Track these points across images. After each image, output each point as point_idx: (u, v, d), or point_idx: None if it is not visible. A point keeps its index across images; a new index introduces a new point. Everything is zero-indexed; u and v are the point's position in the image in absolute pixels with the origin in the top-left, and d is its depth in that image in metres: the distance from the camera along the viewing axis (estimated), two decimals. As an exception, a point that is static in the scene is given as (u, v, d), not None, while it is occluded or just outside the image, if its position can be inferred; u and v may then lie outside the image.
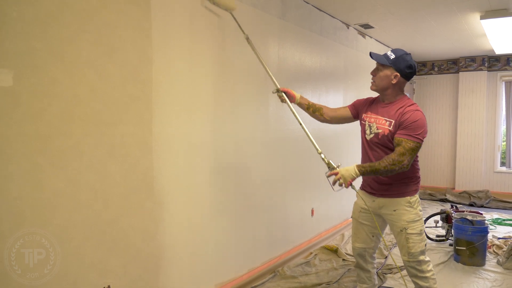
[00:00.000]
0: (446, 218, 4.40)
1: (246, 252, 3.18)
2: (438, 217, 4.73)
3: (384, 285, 3.26)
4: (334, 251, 4.01)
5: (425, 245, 2.43)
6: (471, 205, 6.48)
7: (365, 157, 2.53)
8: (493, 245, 4.11)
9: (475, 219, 3.92)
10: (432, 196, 7.02)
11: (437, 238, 4.40)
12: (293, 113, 2.54)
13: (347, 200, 4.92)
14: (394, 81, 2.35)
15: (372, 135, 2.43)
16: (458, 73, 7.27)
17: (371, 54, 2.41)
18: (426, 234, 3.98)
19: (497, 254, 3.95)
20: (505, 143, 7.24)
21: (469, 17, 4.51)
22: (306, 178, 4.02)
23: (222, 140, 2.87)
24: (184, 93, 2.52)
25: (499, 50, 6.25)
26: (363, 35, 5.28)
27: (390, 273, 3.48)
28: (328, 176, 2.32)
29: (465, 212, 4.31)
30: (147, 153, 2.28)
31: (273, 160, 3.47)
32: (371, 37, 5.57)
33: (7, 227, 1.68)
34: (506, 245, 4.03)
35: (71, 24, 1.88)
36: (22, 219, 1.72)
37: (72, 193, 1.91)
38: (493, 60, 7.02)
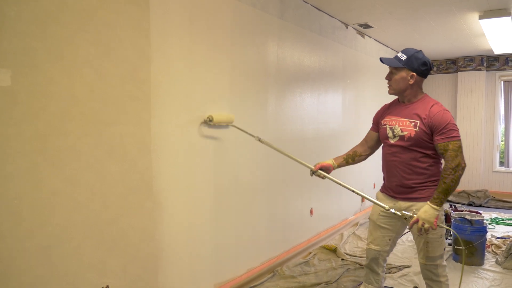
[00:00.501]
0: (445, 218, 4.40)
1: (245, 252, 3.18)
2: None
3: (383, 284, 3.26)
4: (333, 250, 4.01)
5: (444, 249, 2.37)
6: (469, 204, 6.49)
7: (390, 163, 2.41)
8: (492, 244, 4.12)
9: (473, 218, 3.92)
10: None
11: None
12: (335, 181, 2.44)
13: (346, 200, 4.92)
14: (411, 82, 2.30)
15: (397, 138, 2.34)
16: (457, 72, 7.27)
17: (381, 60, 2.36)
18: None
19: (496, 253, 3.96)
20: (503, 142, 7.25)
21: (468, 17, 4.52)
22: (305, 178, 4.01)
23: (221, 139, 2.87)
24: (183, 93, 2.52)
25: (497, 50, 6.25)
26: (362, 34, 5.28)
27: (389, 273, 3.48)
28: (410, 228, 2.24)
29: (464, 212, 4.31)
30: (146, 153, 2.27)
31: (272, 159, 3.47)
32: (370, 37, 5.57)
33: (6, 227, 1.67)
34: (504, 245, 4.03)
35: (70, 23, 1.88)
36: (20, 219, 1.72)
37: (71, 193, 1.90)
38: (492, 60, 7.03)
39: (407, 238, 4.40)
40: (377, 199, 2.55)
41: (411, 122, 2.30)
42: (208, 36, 2.70)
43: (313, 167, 2.46)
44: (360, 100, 5.17)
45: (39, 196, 1.78)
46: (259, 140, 2.63)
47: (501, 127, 7.26)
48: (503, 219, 5.41)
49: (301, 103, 3.88)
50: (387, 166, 2.45)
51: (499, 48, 6.04)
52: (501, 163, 7.29)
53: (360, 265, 3.59)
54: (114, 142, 2.10)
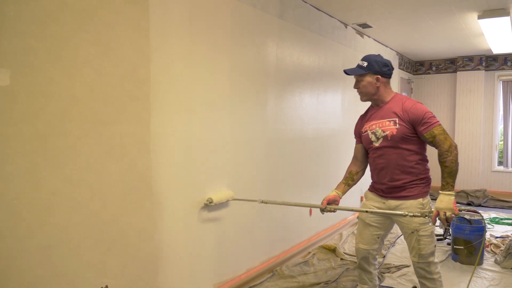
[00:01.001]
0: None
1: (244, 252, 3.18)
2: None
3: (383, 284, 3.26)
4: (332, 250, 4.01)
5: (435, 246, 2.41)
6: (468, 204, 6.50)
7: (378, 165, 2.45)
8: (491, 244, 4.13)
9: (473, 218, 3.92)
10: (430, 195, 7.02)
11: (435, 237, 4.40)
12: (350, 210, 2.55)
13: (345, 200, 4.91)
14: (378, 84, 2.40)
15: (380, 140, 2.39)
16: (456, 72, 7.28)
17: (346, 71, 2.47)
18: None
19: (494, 253, 3.96)
20: (502, 142, 7.26)
21: (467, 17, 4.52)
22: (305, 178, 4.02)
23: (221, 139, 2.87)
24: (183, 92, 2.51)
25: (496, 50, 6.26)
26: (361, 34, 5.29)
27: (388, 273, 3.48)
28: (433, 223, 2.26)
29: (462, 211, 4.32)
30: (145, 153, 2.27)
31: (271, 159, 3.47)
32: (369, 37, 5.58)
33: (6, 226, 1.67)
34: (503, 244, 4.04)
35: (69, 23, 1.87)
36: (20, 218, 1.72)
37: (70, 192, 1.90)
38: (491, 60, 7.04)
39: (406, 238, 4.40)
40: (366, 198, 2.61)
41: (389, 121, 2.37)
42: (208, 36, 2.70)
43: (321, 206, 2.46)
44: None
45: (39, 196, 1.78)
46: (262, 202, 2.64)
47: (500, 127, 7.27)
48: (502, 219, 5.41)
49: (300, 103, 3.88)
50: (376, 170, 2.49)
51: (498, 48, 6.05)
52: (500, 163, 7.30)
53: (360, 264, 3.60)
54: (114, 142, 2.10)
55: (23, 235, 1.73)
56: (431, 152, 2.42)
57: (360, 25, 4.92)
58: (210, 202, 2.67)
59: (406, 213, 2.23)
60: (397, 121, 2.34)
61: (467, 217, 3.95)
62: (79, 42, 1.92)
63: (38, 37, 1.76)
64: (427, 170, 2.45)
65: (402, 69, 7.03)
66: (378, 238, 2.56)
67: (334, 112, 4.56)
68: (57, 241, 1.85)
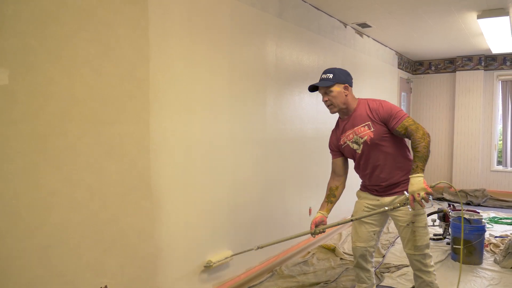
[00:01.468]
0: (443, 217, 4.41)
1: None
2: (435, 216, 4.74)
3: (382, 284, 3.26)
4: (332, 250, 4.01)
5: (429, 239, 2.47)
6: (468, 204, 6.51)
7: (367, 172, 2.50)
8: (490, 243, 4.13)
9: (472, 218, 3.93)
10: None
11: (435, 237, 4.41)
12: (339, 224, 2.59)
13: (344, 200, 4.91)
14: (346, 93, 2.45)
15: (362, 146, 2.44)
16: (455, 72, 7.29)
17: (312, 86, 2.49)
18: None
19: (494, 252, 3.96)
20: (501, 142, 7.27)
21: (466, 17, 4.52)
22: (304, 177, 4.02)
23: (220, 139, 2.86)
24: (182, 92, 2.51)
25: (495, 50, 6.26)
26: (360, 34, 5.28)
27: (387, 272, 3.48)
28: (414, 208, 2.25)
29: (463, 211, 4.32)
30: (144, 152, 2.27)
31: (271, 159, 3.47)
32: (368, 36, 5.58)
33: (5, 226, 1.66)
34: (503, 244, 4.04)
35: (69, 22, 1.87)
36: (19, 218, 1.71)
37: (69, 192, 1.90)
38: (490, 60, 7.05)
39: (406, 238, 4.40)
40: (359, 197, 2.67)
41: (363, 126, 2.42)
42: (207, 36, 2.70)
43: (310, 230, 2.54)
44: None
45: (38, 195, 1.78)
46: (258, 247, 2.68)
47: (499, 127, 7.28)
48: (501, 218, 5.42)
49: (300, 102, 3.87)
50: (367, 175, 2.54)
51: (497, 47, 6.05)
52: (499, 163, 7.31)
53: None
54: (113, 141, 2.10)
55: (22, 235, 1.73)
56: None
57: (359, 25, 4.92)
58: (210, 265, 2.74)
59: (386, 208, 2.36)
60: (370, 124, 2.39)
61: (466, 216, 3.95)
62: (78, 42, 1.91)
63: (38, 37, 1.75)
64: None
65: (402, 69, 7.04)
66: (374, 234, 2.60)
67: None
68: (56, 241, 1.85)
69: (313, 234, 2.53)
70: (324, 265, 3.65)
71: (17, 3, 1.68)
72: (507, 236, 4.44)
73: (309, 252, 3.97)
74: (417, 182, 2.16)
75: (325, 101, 2.49)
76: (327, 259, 3.78)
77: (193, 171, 2.63)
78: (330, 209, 2.61)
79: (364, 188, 2.64)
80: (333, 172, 2.66)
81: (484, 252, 3.88)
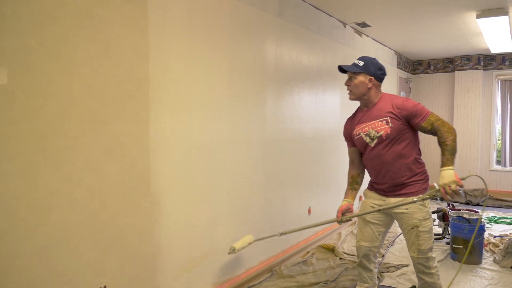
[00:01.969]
0: (443, 217, 4.42)
1: (243, 251, 3.16)
2: (434, 216, 4.73)
3: (382, 283, 3.26)
4: (331, 250, 4.01)
5: (433, 242, 2.47)
6: (467, 203, 6.51)
7: (378, 166, 2.47)
8: (490, 243, 4.13)
9: (471, 217, 3.93)
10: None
11: (434, 237, 4.41)
12: (362, 214, 2.53)
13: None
14: (370, 85, 2.43)
15: (375, 141, 2.41)
16: (454, 72, 7.29)
17: (341, 67, 2.48)
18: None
19: (493, 252, 3.96)
20: (500, 141, 7.28)
21: (465, 16, 4.52)
22: (303, 177, 4.01)
23: (220, 139, 2.86)
24: (181, 92, 2.50)
25: (494, 49, 6.27)
26: (359, 33, 5.28)
27: (387, 272, 3.48)
28: (447, 199, 2.22)
29: (461, 211, 4.32)
30: (144, 152, 2.26)
31: (271, 159, 3.46)
32: (368, 36, 5.57)
33: (3, 227, 1.66)
34: (502, 243, 4.04)
35: (67, 21, 1.86)
36: (18, 218, 1.71)
37: (68, 192, 1.89)
38: (489, 59, 7.05)
39: (405, 237, 4.40)
40: (366, 196, 2.65)
41: (381, 121, 2.40)
42: (207, 35, 2.69)
43: (336, 218, 2.52)
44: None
45: (37, 195, 1.77)
46: (282, 233, 2.63)
47: (498, 126, 7.29)
48: (500, 218, 5.42)
49: (299, 102, 3.87)
50: (375, 170, 2.52)
51: (496, 47, 6.05)
52: (498, 162, 7.32)
53: (359, 264, 3.59)
54: (112, 141, 2.09)
55: (21, 235, 1.72)
56: (426, 149, 2.45)
57: (358, 24, 4.92)
58: (234, 250, 2.61)
59: (415, 199, 2.32)
60: (389, 120, 2.37)
61: (466, 216, 3.95)
62: (77, 41, 1.90)
63: (37, 36, 1.74)
64: (423, 165, 2.51)
65: (401, 69, 7.04)
66: (379, 235, 2.59)
67: (333, 111, 4.55)
68: (55, 241, 1.84)
69: (340, 222, 2.51)
70: (323, 265, 3.64)
71: (16, 2, 1.67)
72: (506, 235, 4.44)
73: (308, 252, 3.96)
74: (449, 175, 2.17)
75: (347, 86, 2.49)
76: (327, 259, 3.78)
77: (192, 171, 2.62)
78: (355, 197, 2.63)
79: (371, 187, 2.62)
80: (351, 161, 2.67)
81: (484, 252, 3.89)
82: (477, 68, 7.04)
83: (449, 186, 2.14)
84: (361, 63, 2.44)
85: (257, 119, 3.28)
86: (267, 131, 3.40)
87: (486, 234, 4.35)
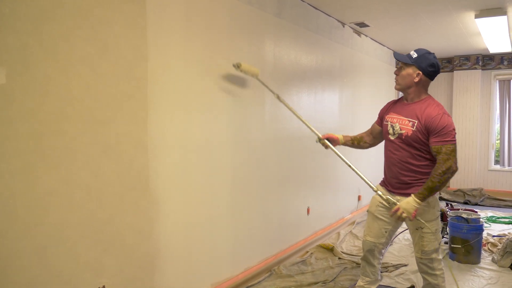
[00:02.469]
0: (441, 216, 4.41)
1: (242, 251, 3.17)
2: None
3: (380, 283, 3.26)
4: (330, 249, 4.01)
5: (439, 243, 2.47)
6: (465, 203, 6.51)
7: (389, 158, 2.53)
8: (488, 243, 4.13)
9: (470, 217, 3.93)
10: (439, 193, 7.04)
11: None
12: (339, 156, 2.62)
13: (343, 199, 4.93)
14: (416, 79, 2.38)
15: (396, 136, 2.45)
16: (453, 71, 7.30)
17: (395, 54, 2.50)
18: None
19: (492, 252, 3.97)
20: (499, 141, 7.29)
21: (464, 16, 4.53)
22: (302, 177, 4.01)
23: (218, 139, 2.86)
24: (180, 91, 2.50)
25: (493, 49, 6.27)
26: (358, 33, 5.28)
27: (386, 271, 3.48)
28: (391, 215, 2.39)
29: (460, 210, 4.32)
30: (142, 152, 2.26)
31: (269, 158, 3.46)
32: (366, 36, 5.58)
33: (1, 227, 1.65)
34: (500, 243, 4.05)
35: (65, 20, 1.86)
36: (16, 218, 1.70)
37: (66, 192, 1.89)
38: (487, 59, 7.06)
39: (404, 237, 4.40)
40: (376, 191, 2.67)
41: (409, 121, 2.39)
42: (205, 35, 2.69)
43: (320, 135, 2.64)
44: (357, 98, 5.17)
45: (35, 195, 1.77)
46: (278, 97, 2.73)
47: (496, 126, 7.30)
48: (498, 218, 5.43)
49: (298, 102, 3.87)
50: (387, 162, 2.57)
51: (494, 47, 6.06)
52: (497, 162, 7.33)
53: (357, 264, 3.59)
54: (110, 141, 2.09)
55: (19, 235, 1.72)
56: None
57: (357, 24, 4.92)
58: (239, 66, 2.68)
59: (379, 192, 2.47)
60: (415, 124, 2.36)
61: (464, 216, 3.96)
62: (75, 40, 1.90)
63: (35, 35, 1.74)
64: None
65: (399, 68, 7.03)
66: (386, 232, 2.61)
67: (331, 111, 4.55)
68: (54, 241, 1.84)
69: (319, 141, 2.68)
70: (322, 264, 3.64)
71: (14, 1, 1.67)
72: (504, 235, 4.44)
73: (307, 252, 3.96)
74: (411, 206, 2.28)
75: (395, 74, 2.49)
76: (325, 259, 3.78)
77: (191, 170, 2.62)
78: (346, 144, 2.75)
79: (382, 183, 2.66)
80: (370, 131, 2.75)
81: (482, 251, 3.89)
82: (475, 68, 7.05)
83: (403, 212, 2.30)
84: (415, 55, 2.39)
85: (256, 119, 3.28)
86: (266, 131, 3.40)
87: (484, 234, 4.35)
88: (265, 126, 3.40)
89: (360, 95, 5.27)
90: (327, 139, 2.67)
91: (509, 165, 7.09)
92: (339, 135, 2.72)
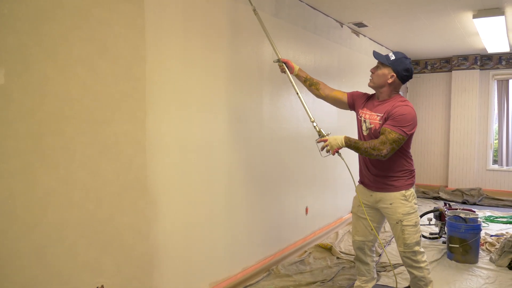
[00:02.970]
0: (439, 216, 4.43)
1: (240, 251, 3.18)
2: (431, 215, 4.75)
3: (378, 283, 3.27)
4: (328, 249, 4.02)
5: (420, 236, 2.54)
6: (463, 203, 6.53)
7: (364, 157, 2.64)
8: (486, 242, 4.15)
9: (468, 216, 3.95)
10: (425, 194, 7.06)
11: (431, 236, 4.42)
12: (292, 83, 2.68)
13: (341, 199, 4.93)
14: (390, 81, 2.47)
15: (367, 131, 2.55)
16: (451, 71, 7.31)
17: (374, 53, 2.57)
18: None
19: (489, 251, 3.98)
20: (497, 141, 7.30)
21: (462, 16, 4.54)
22: (300, 177, 4.02)
23: (216, 138, 2.86)
24: (178, 91, 2.50)
25: (491, 49, 6.29)
26: (356, 33, 5.29)
27: (384, 271, 3.49)
28: (318, 142, 2.49)
29: (458, 210, 4.34)
30: (140, 152, 2.26)
31: (267, 158, 3.47)
32: (364, 36, 5.58)
33: (0, 226, 1.66)
34: (498, 243, 4.06)
35: (64, 21, 1.86)
36: (14, 218, 1.70)
37: (64, 192, 1.89)
38: (485, 59, 7.07)
39: (402, 236, 4.41)
40: (357, 192, 2.75)
41: (378, 115, 2.49)
42: (204, 35, 2.69)
43: (281, 58, 2.71)
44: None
45: (33, 195, 1.77)
46: (255, 10, 2.72)
47: (495, 126, 7.31)
48: (496, 217, 5.44)
49: (296, 101, 3.86)
50: (361, 159, 2.68)
51: (492, 47, 6.07)
52: (495, 162, 7.34)
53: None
54: (109, 141, 2.09)
55: (17, 235, 1.72)
56: (416, 151, 2.50)
57: (355, 24, 4.93)
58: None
59: (314, 124, 2.56)
60: (383, 117, 2.46)
61: (462, 215, 3.97)
62: (74, 41, 1.90)
63: (33, 36, 1.74)
64: (409, 163, 2.57)
65: (398, 68, 7.04)
66: (371, 230, 2.68)
67: (330, 110, 4.55)
68: (52, 241, 1.84)
69: (277, 61, 2.73)
70: (320, 264, 3.65)
71: (13, 2, 1.67)
72: (502, 235, 4.46)
73: (305, 251, 3.97)
74: (337, 142, 2.40)
75: (371, 71, 2.57)
76: (324, 258, 3.79)
77: (189, 170, 2.62)
78: (299, 76, 2.82)
79: (360, 181, 2.75)
80: (335, 90, 2.82)
81: (480, 251, 3.90)
82: (473, 68, 7.06)
83: (327, 145, 2.43)
84: (393, 58, 2.48)
85: (254, 118, 3.28)
86: (264, 131, 3.40)
87: (482, 233, 4.37)
88: (263, 126, 3.40)
89: (359, 95, 5.26)
90: (285, 63, 2.70)
91: (507, 165, 7.10)
92: (296, 66, 2.78)
